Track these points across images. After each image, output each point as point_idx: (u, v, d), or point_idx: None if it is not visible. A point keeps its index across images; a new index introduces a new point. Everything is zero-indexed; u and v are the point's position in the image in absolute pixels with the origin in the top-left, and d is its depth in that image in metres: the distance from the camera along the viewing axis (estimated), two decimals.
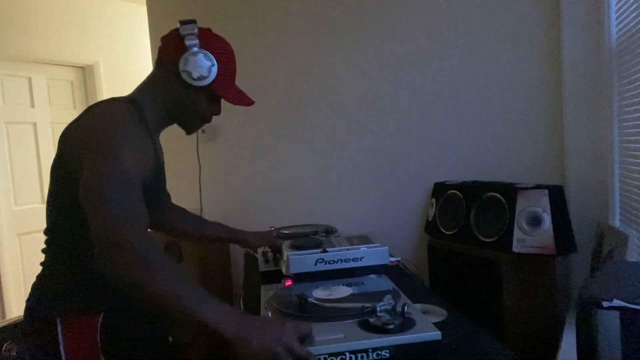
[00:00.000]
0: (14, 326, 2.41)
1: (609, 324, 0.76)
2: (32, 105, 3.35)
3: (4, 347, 2.16)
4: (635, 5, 1.40)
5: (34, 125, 3.36)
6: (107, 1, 3.75)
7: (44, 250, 1.07)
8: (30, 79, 3.34)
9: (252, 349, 0.76)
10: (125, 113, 1.00)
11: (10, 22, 3.15)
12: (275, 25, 2.42)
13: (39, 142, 3.37)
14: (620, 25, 1.56)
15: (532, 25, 1.92)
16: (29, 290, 1.06)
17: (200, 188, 1.34)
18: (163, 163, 1.22)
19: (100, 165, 0.89)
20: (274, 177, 2.50)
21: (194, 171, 2.59)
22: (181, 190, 2.59)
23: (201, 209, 1.35)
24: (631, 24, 1.45)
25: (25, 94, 3.32)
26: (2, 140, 3.16)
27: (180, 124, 1.17)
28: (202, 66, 1.04)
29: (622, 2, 1.53)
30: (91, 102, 3.67)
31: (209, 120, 1.18)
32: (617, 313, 0.75)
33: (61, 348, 0.98)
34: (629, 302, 0.74)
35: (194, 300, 0.78)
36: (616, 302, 0.75)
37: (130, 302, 1.02)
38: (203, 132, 2.65)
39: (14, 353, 2.20)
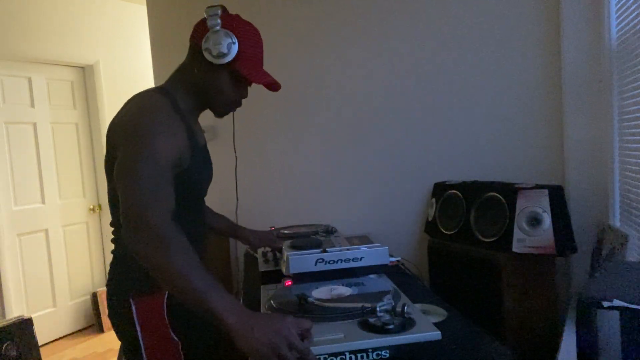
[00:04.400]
0: (15, 326, 2.41)
1: (609, 324, 0.76)
2: (32, 105, 3.35)
3: (3, 347, 2.16)
4: (635, 5, 1.40)
5: (34, 125, 3.35)
6: (107, 1, 3.75)
7: (112, 240, 1.16)
8: (30, 79, 3.34)
9: (253, 341, 0.77)
10: (156, 102, 1.05)
11: (10, 22, 3.15)
12: (276, 26, 2.42)
13: (39, 142, 3.36)
14: (620, 25, 1.56)
15: (532, 25, 1.92)
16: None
17: (236, 183, 1.36)
18: (205, 145, 1.28)
19: (132, 150, 0.95)
20: (274, 177, 2.50)
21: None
22: None
23: (237, 205, 1.36)
24: (631, 24, 1.45)
25: (25, 94, 3.32)
26: (2, 140, 3.16)
27: (209, 107, 1.21)
28: (221, 43, 1.07)
29: (622, 2, 1.53)
30: (91, 102, 3.68)
31: (239, 104, 1.21)
32: (617, 313, 0.75)
33: (136, 325, 1.06)
34: (629, 302, 0.74)
35: (204, 286, 0.81)
36: (616, 302, 0.75)
37: None
38: (203, 132, 2.65)
39: (14, 353, 2.20)
